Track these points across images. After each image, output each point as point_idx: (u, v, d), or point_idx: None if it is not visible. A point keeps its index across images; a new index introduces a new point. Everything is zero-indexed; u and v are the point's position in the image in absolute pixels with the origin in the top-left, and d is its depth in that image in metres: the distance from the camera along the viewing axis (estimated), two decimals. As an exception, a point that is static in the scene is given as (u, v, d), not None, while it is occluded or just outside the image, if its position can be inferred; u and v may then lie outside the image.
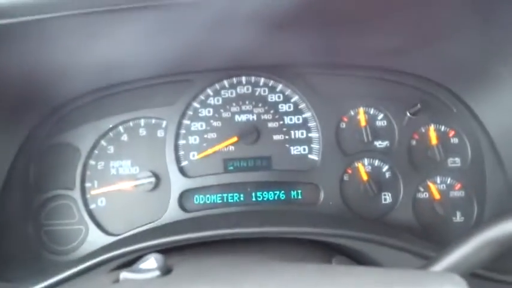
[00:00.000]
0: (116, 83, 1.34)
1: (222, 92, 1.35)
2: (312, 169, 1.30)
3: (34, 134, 1.31)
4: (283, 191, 1.30)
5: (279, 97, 1.35)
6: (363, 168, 1.29)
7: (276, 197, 1.29)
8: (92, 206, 1.30)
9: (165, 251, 0.83)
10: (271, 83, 1.35)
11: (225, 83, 1.35)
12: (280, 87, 1.35)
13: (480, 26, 0.97)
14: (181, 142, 1.32)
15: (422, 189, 1.28)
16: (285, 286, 0.55)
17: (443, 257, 0.69)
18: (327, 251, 0.97)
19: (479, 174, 1.27)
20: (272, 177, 1.30)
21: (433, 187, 1.27)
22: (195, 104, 1.34)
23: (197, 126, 1.33)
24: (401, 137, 1.30)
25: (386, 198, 1.28)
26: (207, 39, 1.08)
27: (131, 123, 1.34)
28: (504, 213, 0.68)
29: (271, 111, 1.34)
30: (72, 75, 1.20)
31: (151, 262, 0.67)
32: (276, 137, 1.32)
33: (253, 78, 1.35)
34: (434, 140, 1.28)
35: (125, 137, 1.33)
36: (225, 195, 1.30)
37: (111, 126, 1.33)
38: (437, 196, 1.27)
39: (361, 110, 1.32)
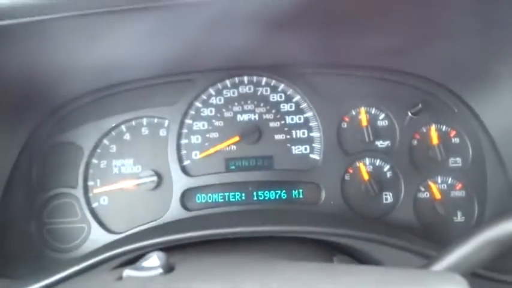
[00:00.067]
0: (117, 82, 1.35)
1: (224, 91, 1.36)
2: (313, 169, 1.30)
3: (36, 133, 1.32)
4: (284, 191, 1.30)
5: (280, 97, 1.35)
6: (364, 167, 1.29)
7: (277, 197, 1.30)
8: (95, 205, 1.31)
9: (167, 249, 0.83)
10: (273, 82, 1.36)
11: (227, 82, 1.36)
12: (281, 87, 1.35)
13: (480, 26, 0.97)
14: (184, 141, 1.33)
15: (423, 189, 1.28)
16: (287, 284, 0.56)
17: (444, 256, 0.69)
18: (328, 250, 0.97)
19: (480, 174, 1.27)
20: (273, 177, 1.30)
21: (434, 187, 1.27)
22: (197, 104, 1.35)
23: (199, 125, 1.34)
24: (403, 137, 1.30)
25: (388, 197, 1.29)
26: (208, 39, 1.08)
27: (134, 123, 1.34)
28: (505, 213, 0.69)
29: (273, 111, 1.34)
30: (73, 75, 1.21)
31: (154, 260, 0.67)
32: (278, 137, 1.33)
33: (255, 78, 1.36)
34: (435, 140, 1.29)
35: (127, 136, 1.34)
36: (226, 194, 1.30)
37: (113, 125, 1.33)
38: (438, 196, 1.27)
39: (363, 109, 1.32)
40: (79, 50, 1.05)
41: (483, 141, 1.28)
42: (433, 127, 1.30)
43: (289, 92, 1.35)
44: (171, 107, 1.33)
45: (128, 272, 0.65)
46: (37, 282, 0.92)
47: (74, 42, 1.00)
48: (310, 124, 1.33)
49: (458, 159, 1.30)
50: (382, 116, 1.32)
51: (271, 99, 1.35)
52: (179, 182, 1.30)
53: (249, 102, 1.35)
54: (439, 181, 1.29)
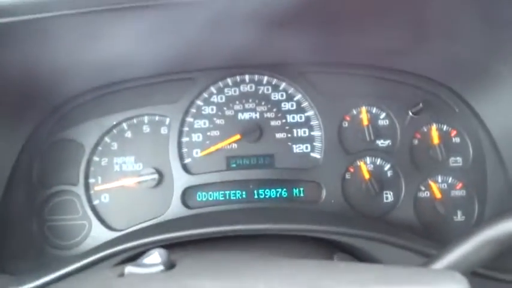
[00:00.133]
0: (119, 80, 1.35)
1: (226, 90, 1.36)
2: (314, 167, 1.30)
3: (38, 131, 1.32)
4: (285, 189, 1.30)
5: (281, 95, 1.35)
6: (364, 166, 1.30)
7: (278, 195, 1.30)
8: (96, 202, 1.31)
9: (167, 247, 0.83)
10: (274, 81, 1.36)
11: (229, 81, 1.36)
12: (283, 85, 1.35)
13: (480, 26, 0.97)
14: (185, 139, 1.33)
15: (423, 188, 1.29)
16: (287, 281, 0.56)
17: (444, 255, 0.70)
18: (329, 249, 0.97)
19: (480, 173, 1.28)
20: (274, 175, 1.30)
21: (434, 186, 1.28)
22: (199, 102, 1.35)
23: (200, 123, 1.34)
24: (403, 136, 1.30)
25: (388, 196, 1.29)
26: (209, 37, 1.08)
27: (135, 120, 1.34)
28: (504, 212, 0.69)
29: (274, 110, 1.34)
30: (75, 73, 1.21)
31: (155, 257, 0.67)
32: (279, 135, 1.33)
33: (256, 77, 1.36)
34: (436, 140, 1.29)
35: (128, 134, 1.34)
36: (227, 192, 1.31)
37: (115, 123, 1.34)
38: (438, 195, 1.27)
39: (364, 109, 1.32)
40: (80, 48, 1.06)
41: (484, 140, 1.28)
42: (433, 127, 1.30)
43: (291, 90, 1.35)
44: (172, 105, 1.34)
45: (129, 269, 0.65)
46: (39, 278, 0.93)
47: (75, 40, 1.00)
48: (311, 123, 1.33)
49: (459, 159, 1.30)
50: (383, 115, 1.33)
51: (272, 98, 1.35)
52: (180, 180, 1.30)
53: (250, 100, 1.35)
54: (440, 180, 1.29)
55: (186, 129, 1.34)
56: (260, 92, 1.36)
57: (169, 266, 0.67)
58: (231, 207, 1.29)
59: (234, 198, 1.31)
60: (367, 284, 0.53)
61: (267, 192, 1.30)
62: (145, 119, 1.35)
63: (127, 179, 1.31)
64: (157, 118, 1.34)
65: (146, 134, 1.34)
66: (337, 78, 1.34)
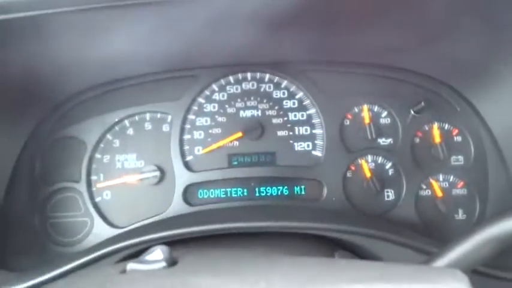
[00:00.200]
0: (121, 77, 1.35)
1: (227, 87, 1.36)
2: (316, 165, 1.31)
3: (40, 128, 1.33)
4: (286, 187, 1.30)
5: (283, 93, 1.35)
6: (366, 165, 1.30)
7: (279, 193, 1.30)
8: (98, 199, 1.32)
9: (169, 244, 0.84)
10: (276, 79, 1.36)
11: (230, 78, 1.36)
12: (285, 83, 1.35)
13: (481, 25, 0.97)
14: (186, 137, 1.34)
15: (424, 187, 1.29)
16: (288, 278, 0.56)
17: (446, 253, 0.70)
18: (330, 246, 0.98)
19: (481, 172, 1.28)
20: (276, 173, 1.31)
21: (435, 185, 1.28)
22: (200, 99, 1.35)
23: (202, 121, 1.34)
24: (405, 135, 1.30)
25: (389, 195, 1.29)
26: (211, 35, 1.08)
27: (137, 118, 1.35)
28: (506, 211, 0.69)
29: (276, 107, 1.34)
30: (77, 70, 1.21)
31: (158, 254, 0.68)
32: (280, 133, 1.33)
33: (258, 75, 1.36)
34: (437, 138, 1.29)
35: (130, 131, 1.34)
36: (228, 190, 1.31)
37: (117, 120, 1.34)
38: (439, 194, 1.27)
39: (365, 107, 1.32)
40: (82, 46, 1.06)
41: (485, 139, 1.28)
42: (435, 125, 1.31)
43: (292, 88, 1.35)
44: (174, 102, 1.34)
45: (131, 265, 0.65)
46: (41, 275, 0.93)
47: (76, 37, 1.00)
48: (313, 121, 1.33)
49: (460, 158, 1.30)
50: (384, 113, 1.33)
51: (274, 96, 1.35)
52: (182, 177, 1.30)
53: (252, 98, 1.35)
54: (441, 179, 1.29)
55: (187, 126, 1.34)
56: (262, 89, 1.36)
57: (172, 262, 0.67)
58: (233, 204, 1.30)
59: (236, 195, 1.31)
60: (368, 281, 0.53)
61: (268, 190, 1.31)
62: (147, 116, 1.35)
63: (129, 176, 1.31)
64: (159, 115, 1.35)
65: (148, 131, 1.34)
66: (339, 76, 1.34)
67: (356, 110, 1.33)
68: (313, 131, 1.33)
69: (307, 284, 0.53)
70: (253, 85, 1.36)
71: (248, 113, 1.34)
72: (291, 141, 1.33)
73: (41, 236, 1.29)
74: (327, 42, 1.20)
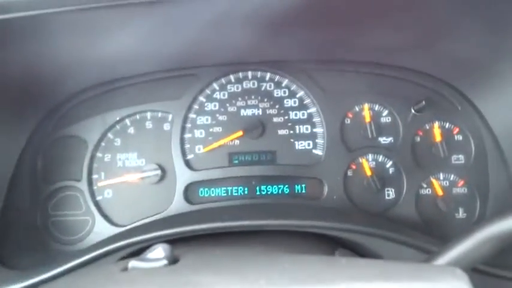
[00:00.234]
0: (122, 77, 1.35)
1: (228, 86, 1.36)
2: (316, 164, 1.31)
3: (41, 127, 1.33)
4: (287, 185, 1.31)
5: (284, 92, 1.36)
6: (366, 163, 1.30)
7: (280, 191, 1.31)
8: (99, 198, 1.32)
9: (170, 242, 0.84)
10: (276, 78, 1.36)
11: (231, 77, 1.36)
12: (285, 82, 1.36)
13: (483, 25, 0.98)
14: (187, 136, 1.34)
15: (425, 186, 1.29)
16: (288, 276, 0.56)
17: (446, 251, 0.70)
18: (330, 245, 0.98)
19: (482, 171, 1.28)
20: (276, 172, 1.31)
21: (436, 183, 1.28)
22: (201, 98, 1.36)
23: (203, 120, 1.35)
24: (406, 134, 1.31)
25: (390, 193, 1.29)
26: (211, 35, 1.08)
27: (138, 117, 1.35)
28: (506, 210, 0.69)
29: (277, 106, 1.35)
30: (78, 70, 1.21)
31: (159, 252, 0.68)
32: (281, 132, 1.33)
33: (259, 73, 1.36)
34: (438, 137, 1.29)
35: (131, 130, 1.35)
36: (229, 188, 1.31)
37: (118, 119, 1.34)
38: (440, 192, 1.27)
39: (366, 106, 1.32)
40: (83, 45, 1.06)
41: (486, 138, 1.28)
42: (436, 124, 1.31)
43: (293, 87, 1.35)
44: (175, 101, 1.34)
45: (133, 263, 0.66)
46: (43, 273, 0.94)
47: (77, 37, 1.00)
48: (314, 120, 1.34)
49: (461, 157, 1.30)
50: (385, 112, 1.33)
51: (275, 95, 1.35)
52: (183, 176, 1.31)
53: (252, 97, 1.35)
54: (441, 178, 1.29)
55: (188, 125, 1.34)
56: (263, 88, 1.36)
57: (173, 260, 0.67)
58: (233, 203, 1.30)
59: (236, 194, 1.31)
60: (368, 279, 0.54)
61: (269, 188, 1.31)
62: (148, 115, 1.35)
63: (130, 174, 1.31)
64: (160, 114, 1.35)
65: (149, 130, 1.35)
66: (340, 75, 1.34)
67: (357, 108, 1.33)
68: (314, 130, 1.33)
69: (307, 282, 0.54)
70: (254, 84, 1.36)
71: (249, 112, 1.35)
72: (292, 140, 1.33)
73: (42, 235, 1.30)
74: (327, 42, 1.20)
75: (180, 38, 1.10)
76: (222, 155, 1.33)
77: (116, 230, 1.27)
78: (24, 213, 1.29)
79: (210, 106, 1.35)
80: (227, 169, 1.32)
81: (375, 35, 1.11)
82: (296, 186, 1.31)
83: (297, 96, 1.35)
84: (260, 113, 1.34)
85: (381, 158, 1.31)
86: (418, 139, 1.31)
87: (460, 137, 1.30)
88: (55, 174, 1.33)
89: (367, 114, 1.32)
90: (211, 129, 1.34)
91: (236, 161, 1.32)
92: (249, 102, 1.35)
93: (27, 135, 1.31)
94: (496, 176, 1.27)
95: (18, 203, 1.28)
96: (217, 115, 1.35)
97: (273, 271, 0.59)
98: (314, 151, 1.32)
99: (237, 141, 1.33)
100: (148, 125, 1.35)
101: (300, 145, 1.33)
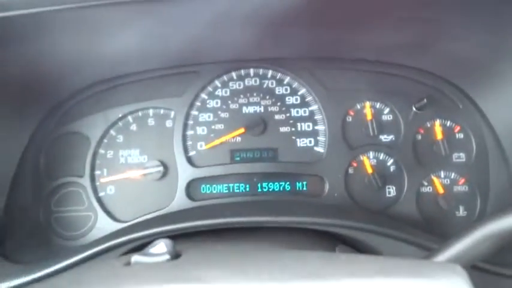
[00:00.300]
0: (123, 74, 1.36)
1: (230, 83, 1.37)
2: (318, 161, 1.31)
3: (44, 123, 1.34)
4: (288, 182, 1.31)
5: (286, 90, 1.36)
6: (368, 161, 1.30)
7: (281, 188, 1.31)
8: (101, 194, 1.33)
9: (172, 238, 0.85)
10: (278, 75, 1.36)
11: (233, 74, 1.37)
12: (287, 79, 1.36)
13: (483, 25, 0.98)
14: (189, 132, 1.34)
15: (426, 183, 1.29)
16: (289, 272, 0.57)
17: (446, 248, 0.70)
18: (331, 241, 0.98)
19: (483, 169, 1.28)
20: (278, 169, 1.31)
21: (437, 181, 1.28)
22: (203, 95, 1.36)
23: (205, 117, 1.35)
24: (407, 132, 1.31)
25: (391, 191, 1.30)
26: (213, 33, 1.09)
27: (140, 113, 1.36)
28: (506, 208, 0.70)
29: (278, 104, 1.35)
30: (80, 67, 1.22)
31: (161, 247, 0.69)
32: (283, 129, 1.34)
33: (261, 71, 1.37)
34: (439, 135, 1.29)
35: (133, 127, 1.36)
36: (231, 185, 1.32)
37: (120, 116, 1.35)
38: (441, 190, 1.28)
39: (368, 104, 1.33)
40: (85, 43, 1.07)
41: (487, 137, 1.28)
42: (437, 122, 1.31)
43: (295, 85, 1.36)
44: (177, 98, 1.35)
45: (136, 258, 0.67)
46: (46, 268, 0.95)
47: (79, 34, 1.01)
48: (315, 117, 1.34)
49: (462, 155, 1.30)
50: (386, 110, 1.33)
51: (276, 92, 1.36)
52: (185, 173, 1.31)
53: (254, 94, 1.36)
54: (442, 176, 1.29)
55: (190, 122, 1.35)
56: (264, 86, 1.36)
57: (175, 255, 0.68)
58: (235, 200, 1.31)
59: (238, 191, 1.32)
60: (368, 274, 0.54)
61: (271, 185, 1.31)
62: (151, 112, 1.36)
63: (132, 171, 1.32)
64: (162, 111, 1.36)
65: (151, 127, 1.35)
66: (342, 73, 1.34)
67: (358, 106, 1.33)
68: (316, 127, 1.34)
69: (308, 277, 0.54)
70: (255, 81, 1.37)
71: (251, 109, 1.35)
72: (293, 137, 1.33)
73: (45, 230, 1.31)
74: (328, 40, 1.21)
75: (182, 35, 1.10)
76: (223, 152, 1.33)
77: (118, 226, 1.28)
78: (27, 209, 1.30)
79: (212, 103, 1.36)
80: (229, 166, 1.32)
81: (376, 34, 1.11)
82: (297, 183, 1.31)
83: (299, 93, 1.35)
84: (262, 110, 1.35)
85: (382, 156, 1.31)
86: (419, 137, 1.31)
87: (461, 135, 1.31)
88: (58, 171, 1.34)
89: (368, 112, 1.32)
90: (213, 126, 1.35)
91: (238, 158, 1.33)
92: (250, 100, 1.35)
93: (29, 132, 1.32)
94: (496, 175, 1.27)
95: (21, 200, 1.29)
96: (219, 112, 1.35)
97: (274, 267, 0.60)
98: (315, 148, 1.33)
99: (238, 138, 1.34)
100: (151, 121, 1.35)
101: (302, 142, 1.33)
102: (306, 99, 1.35)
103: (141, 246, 0.90)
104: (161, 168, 1.31)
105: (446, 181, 1.29)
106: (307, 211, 1.13)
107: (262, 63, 1.36)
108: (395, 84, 1.33)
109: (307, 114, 1.34)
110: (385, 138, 1.32)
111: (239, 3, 0.91)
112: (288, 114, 1.34)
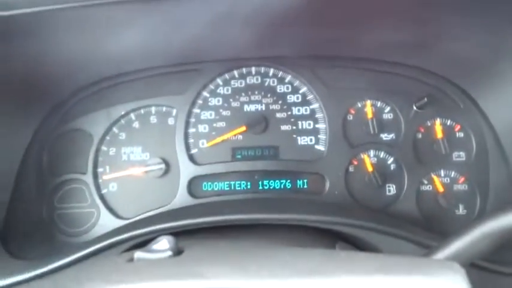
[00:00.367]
0: (126, 72, 1.36)
1: (232, 81, 1.37)
2: (318, 159, 1.32)
3: (47, 121, 1.35)
4: (289, 180, 1.32)
5: (287, 88, 1.36)
6: (368, 159, 1.31)
7: (282, 186, 1.32)
8: (104, 191, 1.34)
9: (173, 235, 0.86)
10: (280, 74, 1.37)
11: (235, 73, 1.37)
12: (288, 78, 1.36)
13: (483, 25, 0.98)
14: (191, 130, 1.35)
15: (426, 182, 1.30)
16: (290, 268, 0.58)
17: (445, 246, 0.71)
18: (331, 239, 0.99)
19: (483, 168, 1.28)
20: (279, 167, 1.32)
21: (437, 180, 1.29)
22: (205, 93, 1.37)
23: (207, 115, 1.36)
24: (407, 130, 1.31)
25: (391, 189, 1.30)
26: (214, 31, 1.09)
27: (142, 111, 1.36)
28: (505, 206, 0.70)
29: (280, 102, 1.36)
30: (82, 65, 1.23)
31: (164, 243, 0.69)
32: (284, 127, 1.34)
33: (262, 69, 1.37)
34: (439, 134, 1.30)
35: (136, 124, 1.36)
36: (232, 183, 1.33)
37: (123, 113, 1.36)
38: (440, 189, 1.28)
39: (368, 102, 1.33)
40: (88, 41, 1.07)
41: (487, 136, 1.29)
42: (437, 121, 1.31)
43: (296, 83, 1.36)
44: (179, 96, 1.35)
45: (138, 254, 0.67)
46: (49, 264, 0.96)
47: (82, 33, 1.01)
48: (316, 115, 1.34)
49: (462, 154, 1.31)
50: (387, 109, 1.33)
51: (278, 90, 1.36)
52: (186, 170, 1.32)
53: (256, 92, 1.36)
54: (442, 174, 1.30)
55: (192, 120, 1.36)
56: (266, 84, 1.37)
57: (177, 252, 0.69)
58: (236, 197, 1.31)
59: (239, 188, 1.32)
60: (368, 272, 0.55)
61: (272, 183, 1.32)
62: (153, 109, 1.36)
63: (134, 168, 1.33)
64: (164, 109, 1.36)
65: (153, 125, 1.36)
66: (343, 71, 1.35)
67: (359, 105, 1.34)
68: (316, 126, 1.34)
69: (308, 274, 0.55)
70: (257, 79, 1.37)
71: (252, 107, 1.36)
72: (294, 136, 1.34)
73: (48, 227, 1.32)
74: (329, 39, 1.21)
75: (184, 34, 1.11)
76: (225, 149, 1.34)
77: (121, 223, 1.29)
78: (31, 206, 1.30)
79: (214, 101, 1.36)
80: (230, 164, 1.33)
81: (376, 34, 1.12)
82: (298, 181, 1.32)
83: (300, 92, 1.36)
84: (263, 109, 1.35)
85: (382, 154, 1.32)
86: (420, 136, 1.32)
87: (461, 134, 1.31)
88: (61, 167, 1.35)
89: (369, 111, 1.32)
90: (214, 124, 1.35)
91: (239, 156, 1.34)
92: (252, 98, 1.36)
93: (33, 130, 1.33)
94: (496, 174, 1.27)
95: (24, 196, 1.30)
96: (221, 110, 1.36)
97: (274, 263, 0.61)
98: (316, 147, 1.34)
99: (240, 136, 1.34)
100: (153, 119, 1.36)
101: (303, 140, 1.34)
102: (307, 98, 1.35)
103: (143, 243, 0.90)
104: (163, 166, 1.31)
105: (446, 180, 1.30)
106: (308, 209, 1.14)
107: (263, 61, 1.36)
108: (396, 83, 1.33)
109: (308, 112, 1.35)
110: (385, 136, 1.32)
111: (240, 3, 0.91)
112: (289, 113, 1.35)
